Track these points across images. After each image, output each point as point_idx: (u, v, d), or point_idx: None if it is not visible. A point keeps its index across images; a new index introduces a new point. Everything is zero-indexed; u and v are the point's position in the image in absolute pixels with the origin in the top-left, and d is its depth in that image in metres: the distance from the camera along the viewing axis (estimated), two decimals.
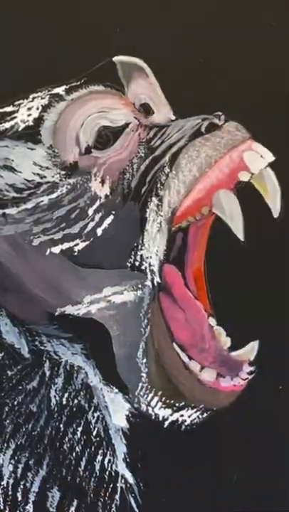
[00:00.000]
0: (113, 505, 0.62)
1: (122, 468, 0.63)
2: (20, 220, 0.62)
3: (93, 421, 0.63)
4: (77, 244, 0.62)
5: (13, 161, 0.62)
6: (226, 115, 0.64)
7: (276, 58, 0.66)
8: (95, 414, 0.63)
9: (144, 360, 0.63)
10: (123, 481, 0.63)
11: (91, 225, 0.62)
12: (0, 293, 0.63)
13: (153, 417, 0.63)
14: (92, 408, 0.63)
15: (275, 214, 0.63)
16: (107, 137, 0.63)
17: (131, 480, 0.63)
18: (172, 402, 0.63)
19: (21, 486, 0.62)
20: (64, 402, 0.63)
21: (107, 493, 0.62)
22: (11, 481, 0.62)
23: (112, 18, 0.65)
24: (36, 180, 0.62)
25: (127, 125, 0.63)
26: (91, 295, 0.62)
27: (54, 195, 0.62)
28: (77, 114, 0.63)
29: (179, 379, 0.63)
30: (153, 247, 0.63)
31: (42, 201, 0.62)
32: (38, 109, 0.63)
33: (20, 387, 0.63)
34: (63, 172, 0.63)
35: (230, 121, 0.64)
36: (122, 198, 0.63)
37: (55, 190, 0.62)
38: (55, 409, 0.63)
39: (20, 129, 0.63)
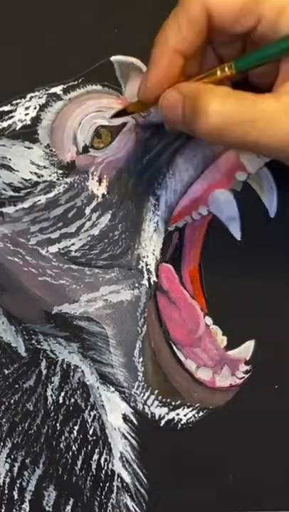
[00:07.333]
0: (109, 504, 0.62)
1: (118, 467, 0.63)
2: (18, 219, 0.62)
3: (89, 420, 0.63)
4: (74, 244, 0.63)
5: (10, 159, 0.62)
6: None
7: None
8: (92, 413, 0.63)
9: (141, 359, 0.63)
10: (119, 480, 0.63)
11: (88, 224, 0.62)
12: None
13: (149, 416, 0.63)
14: (89, 407, 0.63)
15: (272, 214, 0.64)
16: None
17: (127, 479, 0.63)
18: (168, 400, 0.63)
19: (17, 485, 0.62)
20: (60, 401, 0.63)
21: (104, 492, 0.62)
22: (8, 480, 0.62)
23: (110, 17, 0.65)
24: (33, 180, 0.62)
25: (124, 125, 0.63)
26: (88, 294, 0.63)
27: (51, 195, 0.62)
28: (74, 114, 0.63)
29: (175, 378, 0.63)
30: (150, 246, 0.63)
31: (39, 200, 0.62)
32: (35, 108, 0.63)
33: (16, 386, 0.63)
34: (60, 171, 0.63)
35: None
36: (119, 198, 0.63)
37: (52, 189, 0.62)
38: (52, 408, 0.63)
39: (17, 128, 0.63)
